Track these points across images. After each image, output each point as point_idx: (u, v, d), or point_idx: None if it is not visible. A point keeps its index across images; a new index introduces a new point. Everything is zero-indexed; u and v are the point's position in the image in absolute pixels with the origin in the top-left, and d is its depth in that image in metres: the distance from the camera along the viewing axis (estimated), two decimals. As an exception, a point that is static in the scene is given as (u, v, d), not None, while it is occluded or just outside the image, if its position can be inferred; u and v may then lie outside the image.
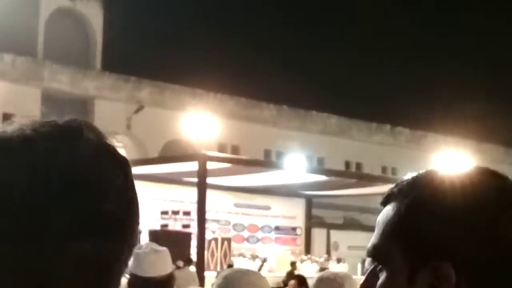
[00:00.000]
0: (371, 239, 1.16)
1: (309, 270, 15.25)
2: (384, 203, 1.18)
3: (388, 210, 1.14)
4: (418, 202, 1.08)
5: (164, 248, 3.80)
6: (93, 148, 0.83)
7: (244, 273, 3.25)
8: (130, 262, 3.13)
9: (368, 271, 1.15)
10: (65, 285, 0.78)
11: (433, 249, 1.04)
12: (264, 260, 16.79)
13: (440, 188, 1.08)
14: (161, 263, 3.68)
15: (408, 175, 1.16)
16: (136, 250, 3.83)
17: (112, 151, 0.86)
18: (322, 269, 16.11)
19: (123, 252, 0.83)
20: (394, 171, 35.13)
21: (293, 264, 15.30)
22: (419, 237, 1.06)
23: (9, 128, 0.82)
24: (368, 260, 1.19)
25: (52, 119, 0.85)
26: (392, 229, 1.11)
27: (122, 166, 0.85)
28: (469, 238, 1.03)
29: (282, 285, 8.81)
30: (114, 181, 0.82)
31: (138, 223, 0.87)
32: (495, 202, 1.05)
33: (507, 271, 1.02)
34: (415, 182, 1.12)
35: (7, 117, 24.20)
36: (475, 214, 1.04)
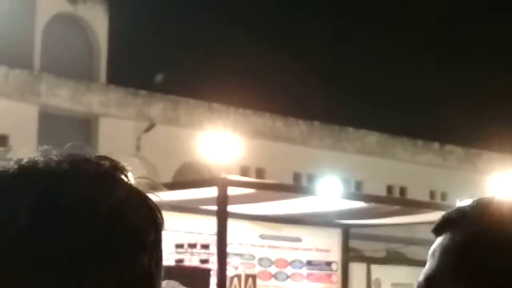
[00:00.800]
0: (424, 271, 1.15)
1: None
2: (440, 230, 1.17)
3: (447, 239, 1.14)
4: (486, 231, 1.08)
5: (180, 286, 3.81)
6: (129, 192, 0.88)
7: None
8: None
9: None
10: None
11: (503, 283, 1.03)
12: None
13: (508, 217, 1.08)
14: None
15: (468, 201, 1.16)
16: None
17: (145, 197, 0.94)
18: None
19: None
20: (444, 196, 34.96)
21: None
22: (487, 274, 1.05)
23: (40, 159, 0.88)
24: None
25: (80, 154, 0.90)
26: (454, 261, 1.11)
27: (156, 217, 0.91)
28: None
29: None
30: (149, 233, 0.88)
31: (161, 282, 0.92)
32: None
33: None
34: (480, 209, 1.12)
35: (0, 138, 24.41)
36: None
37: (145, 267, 0.87)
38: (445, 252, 1.12)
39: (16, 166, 0.87)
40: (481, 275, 1.05)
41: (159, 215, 0.91)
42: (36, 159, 0.87)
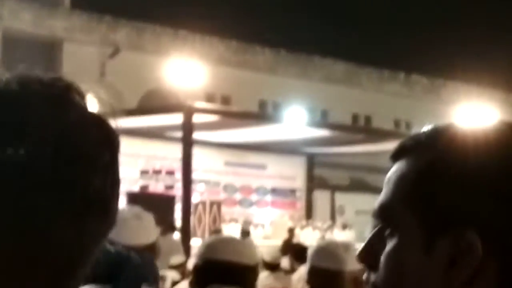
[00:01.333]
0: (379, 198, 1.15)
1: (310, 238, 15.36)
2: (396, 157, 1.16)
3: (402, 166, 1.13)
4: (440, 160, 1.07)
5: (148, 214, 3.83)
6: (82, 115, 0.86)
7: (229, 242, 3.26)
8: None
9: (373, 233, 1.14)
10: (47, 263, 0.82)
11: (455, 215, 1.03)
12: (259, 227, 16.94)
13: (464, 145, 1.07)
14: (144, 230, 3.71)
15: (426, 128, 1.15)
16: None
17: (100, 120, 0.89)
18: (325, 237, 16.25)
19: (104, 233, 0.87)
20: (408, 125, 35.24)
21: (291, 230, 15.40)
22: (439, 200, 1.05)
23: None
24: (374, 223, 1.18)
25: (34, 75, 0.87)
26: (407, 189, 1.10)
27: (111, 139, 0.87)
28: (498, 202, 1.02)
29: (279, 254, 8.89)
30: (102, 155, 0.85)
31: (118, 204, 0.90)
32: None
33: None
34: (436, 137, 1.11)
35: (-38, 62, 24.10)
36: (505, 176, 1.03)
37: (98, 189, 0.84)
38: (400, 180, 1.11)
39: None
40: (432, 205, 1.05)
41: (114, 137, 0.89)
42: None
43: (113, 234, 3.21)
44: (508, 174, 1.02)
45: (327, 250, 3.55)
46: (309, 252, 3.66)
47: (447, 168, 1.05)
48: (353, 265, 3.48)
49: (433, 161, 1.06)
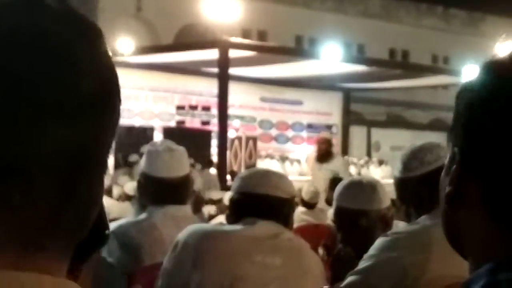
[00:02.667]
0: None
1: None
2: None
3: None
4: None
5: (181, 147, 3.85)
6: (58, 15, 0.82)
7: (264, 175, 3.27)
8: (142, 160, 3.19)
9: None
10: (33, 178, 0.78)
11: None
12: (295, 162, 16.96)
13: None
14: (176, 163, 3.73)
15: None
16: (149, 147, 3.91)
17: (80, 18, 0.84)
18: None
19: (102, 135, 0.82)
20: (446, 60, 34.87)
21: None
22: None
23: None
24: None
25: None
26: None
27: (93, 35, 0.83)
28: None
29: (317, 194, 8.93)
30: (86, 53, 0.81)
31: (119, 103, 0.85)
32: None
33: None
34: None
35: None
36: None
37: (87, 91, 0.80)
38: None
39: None
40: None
41: (94, 28, 0.83)
42: None
43: (145, 167, 3.24)
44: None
45: (352, 190, 3.54)
46: (335, 192, 3.66)
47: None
48: (379, 204, 3.47)
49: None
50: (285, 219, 3.16)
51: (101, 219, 0.89)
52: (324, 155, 10.92)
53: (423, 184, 2.94)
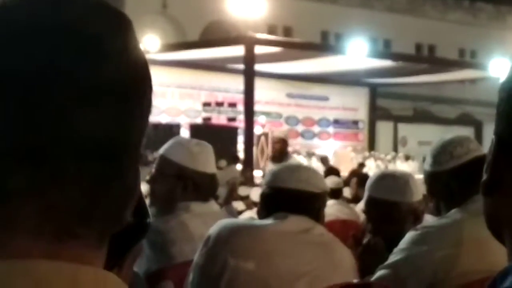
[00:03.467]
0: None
1: (372, 169, 15.35)
2: None
3: None
4: None
5: (208, 145, 3.85)
6: (88, 6, 0.82)
7: (295, 169, 3.27)
8: (168, 151, 3.16)
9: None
10: (67, 167, 0.77)
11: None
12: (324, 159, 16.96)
13: None
14: (204, 157, 3.72)
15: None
16: (176, 140, 3.92)
17: (110, 9, 0.83)
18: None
19: (134, 124, 0.82)
20: (473, 54, 34.61)
21: (361, 165, 15.34)
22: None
23: None
24: None
25: None
26: None
27: (123, 26, 0.83)
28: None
29: (342, 185, 8.90)
30: (111, 42, 0.80)
31: (149, 92, 0.84)
32: None
33: None
34: None
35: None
36: None
37: (114, 79, 0.80)
38: None
39: None
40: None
41: (122, 16, 0.84)
42: None
43: (178, 158, 3.19)
44: None
45: (385, 181, 3.54)
46: (368, 182, 3.65)
47: None
48: (411, 196, 3.46)
49: None
50: (317, 214, 3.16)
51: (141, 208, 0.89)
52: (279, 154, 10.92)
53: (454, 177, 2.93)
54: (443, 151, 3.02)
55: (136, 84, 0.81)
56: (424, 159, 3.45)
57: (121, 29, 0.82)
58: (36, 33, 0.78)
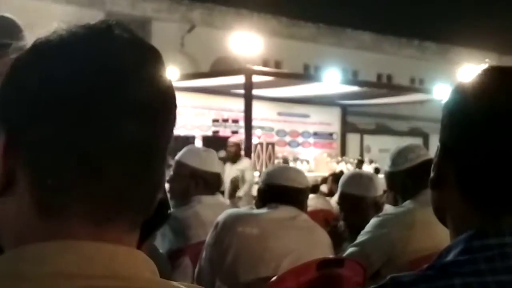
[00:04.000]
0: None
1: (344, 170, 15.33)
2: None
3: None
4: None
5: (212, 150, 3.90)
6: (123, 42, 0.81)
7: (284, 170, 3.29)
8: (184, 156, 3.17)
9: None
10: (111, 167, 0.77)
11: None
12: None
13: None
14: (210, 160, 3.76)
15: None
16: (190, 148, 3.95)
17: (141, 42, 0.83)
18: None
19: (162, 135, 0.82)
20: (421, 81, 34.69)
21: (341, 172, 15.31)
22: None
23: (48, 34, 0.81)
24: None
25: (86, 23, 0.82)
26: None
27: (153, 58, 0.83)
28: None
29: (319, 182, 8.93)
30: (145, 71, 0.80)
31: (174, 108, 0.84)
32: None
33: None
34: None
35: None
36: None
37: (148, 98, 0.78)
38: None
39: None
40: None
41: (153, 50, 0.83)
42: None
43: (192, 161, 3.20)
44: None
45: (354, 180, 3.55)
46: (340, 181, 3.67)
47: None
48: (375, 192, 3.47)
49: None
50: (301, 205, 3.17)
51: (165, 201, 0.88)
52: (234, 156, 10.91)
53: (408, 176, 2.94)
54: (399, 156, 3.03)
55: (165, 103, 0.82)
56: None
57: (154, 60, 0.83)
58: (85, 63, 0.77)
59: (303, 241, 3.05)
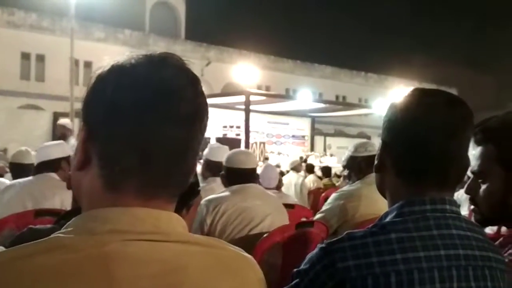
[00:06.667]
0: (475, 164, 1.21)
1: (313, 161, 15.34)
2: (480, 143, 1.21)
3: (483, 148, 1.19)
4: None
5: (225, 146, 3.83)
6: (173, 69, 0.80)
7: (238, 154, 2.94)
8: (205, 151, 3.06)
9: (470, 181, 1.17)
10: (158, 157, 0.75)
11: None
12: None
13: None
14: (221, 153, 3.68)
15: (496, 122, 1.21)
16: (210, 145, 3.88)
17: (186, 71, 0.81)
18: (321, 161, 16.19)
19: (196, 137, 0.80)
20: (366, 100, 34.73)
21: (305, 159, 15.35)
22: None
23: (122, 59, 0.80)
24: (469, 174, 1.22)
25: (149, 53, 0.81)
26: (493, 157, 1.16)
27: (193, 82, 0.82)
28: None
29: (296, 164, 8.90)
30: (187, 91, 0.79)
31: (206, 120, 0.81)
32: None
33: None
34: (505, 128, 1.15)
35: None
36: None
37: (189, 110, 0.77)
38: (487, 154, 1.17)
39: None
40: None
41: (195, 78, 0.82)
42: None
43: (207, 155, 3.09)
44: None
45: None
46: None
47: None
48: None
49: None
50: (254, 181, 2.85)
51: (196, 181, 0.88)
52: (62, 136, 7.88)
53: (363, 161, 2.90)
54: (361, 146, 2.98)
55: (199, 114, 0.80)
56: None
57: (195, 82, 0.82)
58: (146, 82, 0.75)
59: (265, 205, 2.74)
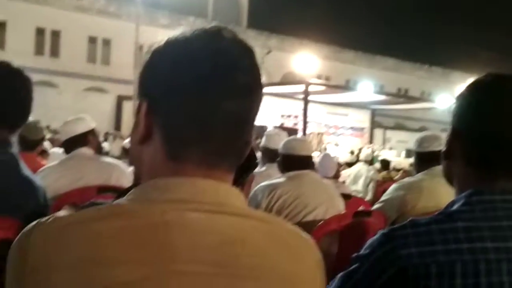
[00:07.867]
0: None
1: (366, 152, 15.06)
2: None
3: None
4: None
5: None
6: (228, 41, 0.79)
7: (294, 141, 2.91)
8: (263, 139, 3.03)
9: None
10: (217, 129, 0.75)
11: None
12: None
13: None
14: (279, 140, 3.66)
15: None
16: (267, 132, 3.85)
17: (241, 42, 0.79)
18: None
19: (253, 108, 0.79)
20: (429, 94, 33.65)
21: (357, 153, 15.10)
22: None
23: (177, 34, 0.80)
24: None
25: (203, 27, 0.81)
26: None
27: (249, 53, 0.80)
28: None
29: (353, 158, 8.75)
30: (243, 62, 0.78)
31: (261, 91, 0.80)
32: None
33: None
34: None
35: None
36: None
37: (245, 82, 0.75)
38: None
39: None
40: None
41: (249, 48, 0.80)
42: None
43: (264, 142, 3.07)
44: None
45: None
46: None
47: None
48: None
49: None
50: (311, 168, 2.84)
51: (252, 154, 0.87)
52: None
53: (427, 156, 2.80)
54: (425, 141, 2.87)
55: (255, 86, 0.79)
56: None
57: (251, 53, 0.81)
58: (203, 55, 0.76)
59: (326, 194, 2.71)
